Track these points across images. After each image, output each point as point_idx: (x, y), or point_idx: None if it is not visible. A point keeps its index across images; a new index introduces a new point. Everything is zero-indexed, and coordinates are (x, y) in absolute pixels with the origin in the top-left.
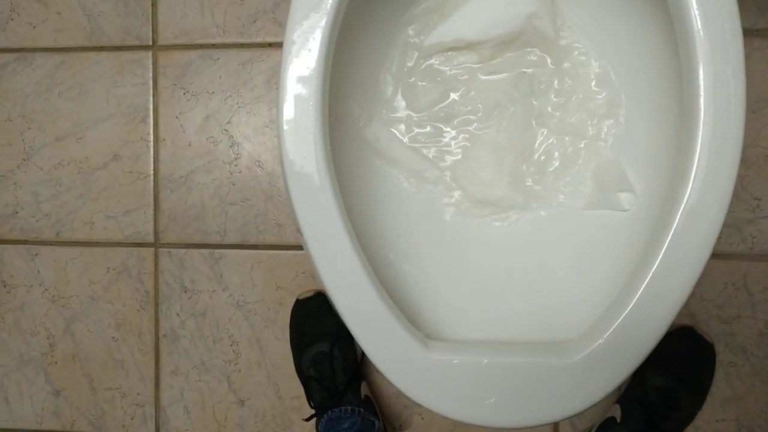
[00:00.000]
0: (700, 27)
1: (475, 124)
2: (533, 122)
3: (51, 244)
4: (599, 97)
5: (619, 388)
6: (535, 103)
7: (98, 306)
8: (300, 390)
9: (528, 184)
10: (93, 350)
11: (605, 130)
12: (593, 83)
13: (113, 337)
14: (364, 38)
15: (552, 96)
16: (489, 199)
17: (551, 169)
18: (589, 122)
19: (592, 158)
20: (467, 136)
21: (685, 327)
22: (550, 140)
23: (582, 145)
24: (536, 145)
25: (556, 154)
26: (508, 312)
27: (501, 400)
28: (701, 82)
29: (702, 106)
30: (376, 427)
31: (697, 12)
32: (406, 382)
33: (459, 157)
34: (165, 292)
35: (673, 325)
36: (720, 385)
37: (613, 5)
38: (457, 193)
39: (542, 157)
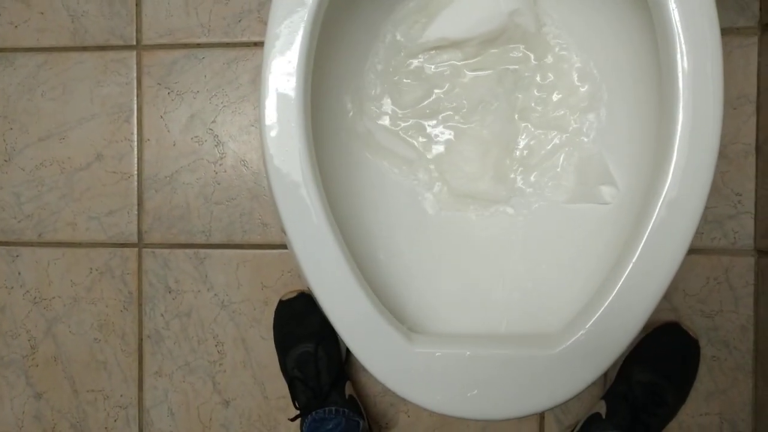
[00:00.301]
0: (678, 22)
1: (459, 120)
2: (516, 117)
3: (33, 245)
4: (581, 90)
5: (604, 384)
6: (519, 96)
7: (81, 307)
8: (286, 390)
9: (511, 177)
10: (75, 352)
11: (587, 124)
12: (575, 77)
13: (96, 339)
14: (349, 36)
15: (534, 91)
16: (472, 193)
17: (534, 162)
18: (571, 116)
19: (575, 152)
20: (451, 131)
21: (670, 323)
22: (534, 135)
23: (564, 139)
24: (519, 139)
25: (540, 148)
26: (493, 306)
27: (484, 392)
28: (680, 76)
29: (681, 100)
30: (360, 427)
31: (675, 8)
32: (389, 375)
33: (443, 151)
34: (149, 293)
35: (658, 321)
36: (703, 380)
37: (594, 1)
38: (441, 188)
39: (525, 152)
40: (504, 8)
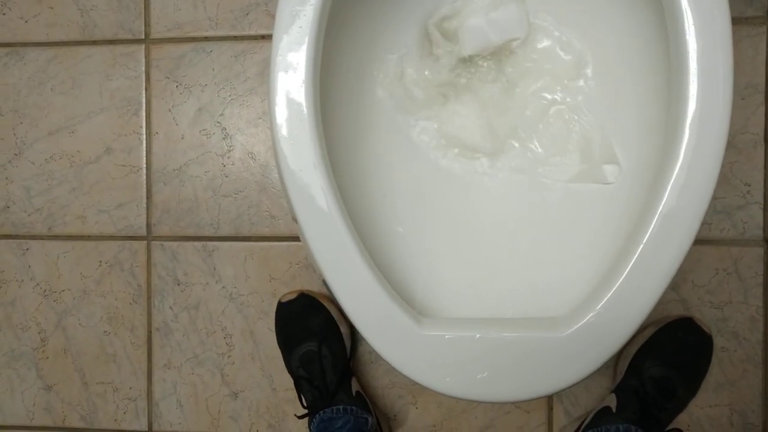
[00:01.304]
0: (689, 10)
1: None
2: (516, 91)
3: (42, 239)
4: (587, 71)
5: (614, 377)
6: (512, 71)
7: (90, 300)
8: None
9: (507, 137)
10: (85, 344)
11: (583, 94)
12: (571, 60)
13: (105, 331)
14: (359, 24)
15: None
16: (462, 139)
17: (539, 139)
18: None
19: (577, 131)
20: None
21: (683, 318)
22: (534, 104)
23: (573, 117)
24: (517, 106)
25: (540, 117)
26: (500, 289)
27: (493, 375)
28: (690, 63)
29: (690, 87)
30: (369, 424)
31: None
32: (399, 358)
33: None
34: (158, 285)
35: (670, 315)
36: (713, 371)
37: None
38: (451, 150)
39: (527, 113)
40: (505, 37)
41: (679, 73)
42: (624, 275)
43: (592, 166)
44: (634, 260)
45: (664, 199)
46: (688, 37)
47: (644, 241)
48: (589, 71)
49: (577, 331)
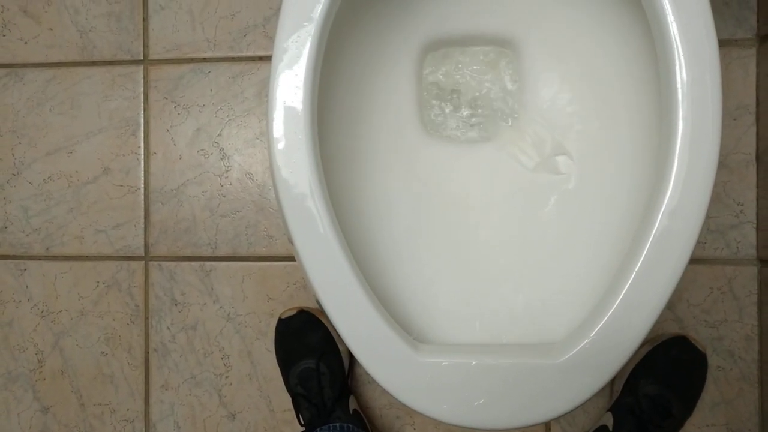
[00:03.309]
0: (677, 35)
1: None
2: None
3: (40, 259)
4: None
5: (611, 396)
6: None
7: (87, 320)
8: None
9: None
10: (82, 365)
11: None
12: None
13: (102, 352)
14: (357, 48)
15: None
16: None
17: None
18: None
19: (530, 124)
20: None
21: (677, 336)
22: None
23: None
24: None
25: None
26: (497, 313)
27: (490, 402)
28: (679, 87)
29: (680, 111)
30: None
31: (673, 21)
32: (396, 385)
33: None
34: (155, 306)
35: (665, 333)
36: (709, 390)
37: (594, 14)
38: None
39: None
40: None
41: (669, 100)
42: (617, 301)
43: (546, 159)
44: (627, 286)
45: (656, 225)
46: (677, 67)
47: (637, 267)
48: (581, 92)
49: (572, 358)
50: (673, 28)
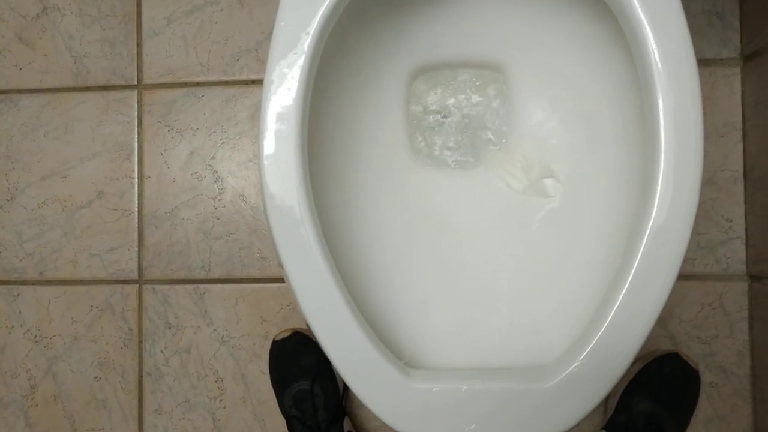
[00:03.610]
0: (657, 60)
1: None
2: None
3: (34, 284)
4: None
5: (605, 413)
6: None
7: (81, 345)
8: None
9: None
10: (75, 390)
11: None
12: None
13: (96, 377)
14: (348, 77)
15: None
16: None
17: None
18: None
19: (519, 148)
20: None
21: (670, 353)
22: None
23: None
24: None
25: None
26: (487, 337)
27: (480, 427)
28: (660, 113)
29: (662, 136)
30: None
31: (654, 47)
32: (387, 411)
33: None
34: (149, 329)
35: (657, 350)
36: (702, 406)
37: (575, 43)
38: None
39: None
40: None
41: (651, 123)
42: (606, 324)
43: (534, 182)
44: (615, 308)
45: (642, 248)
46: (658, 91)
47: (624, 289)
48: (566, 120)
49: (561, 382)
50: (654, 55)
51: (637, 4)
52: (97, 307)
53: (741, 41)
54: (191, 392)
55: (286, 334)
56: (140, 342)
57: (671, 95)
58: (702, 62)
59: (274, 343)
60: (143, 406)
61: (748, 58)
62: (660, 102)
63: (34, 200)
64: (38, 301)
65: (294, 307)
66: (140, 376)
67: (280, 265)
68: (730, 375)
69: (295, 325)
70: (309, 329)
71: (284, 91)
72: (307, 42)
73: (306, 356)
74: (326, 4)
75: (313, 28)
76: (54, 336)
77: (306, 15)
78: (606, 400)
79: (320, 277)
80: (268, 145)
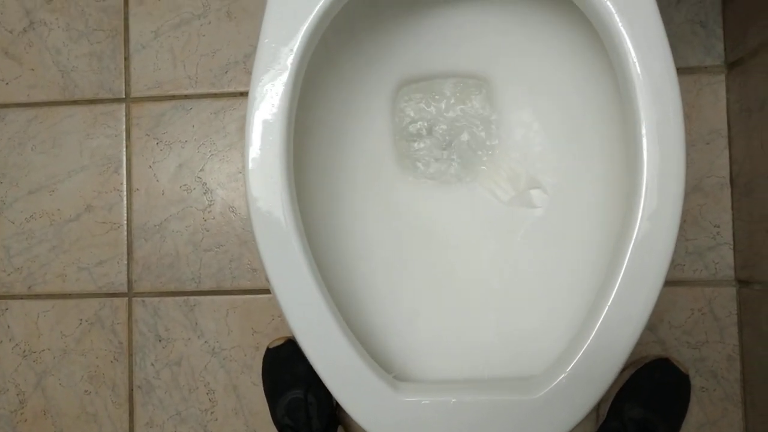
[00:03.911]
0: (639, 73)
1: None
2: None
3: (22, 298)
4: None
5: (597, 420)
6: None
7: (70, 359)
8: None
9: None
10: (65, 405)
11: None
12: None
13: (86, 391)
14: (332, 92)
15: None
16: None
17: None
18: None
19: (505, 159)
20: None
21: (660, 358)
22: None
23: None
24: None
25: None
26: (476, 348)
27: None
28: (643, 123)
29: (645, 145)
30: None
31: (635, 60)
32: (376, 425)
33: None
34: (139, 342)
35: (647, 356)
36: (693, 411)
37: (555, 63)
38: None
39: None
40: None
41: (634, 133)
42: (593, 334)
43: (521, 193)
44: (601, 319)
45: (627, 258)
46: (639, 101)
47: (611, 300)
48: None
49: (549, 393)
50: (636, 68)
51: (617, 18)
52: (86, 321)
53: (725, 49)
54: (182, 405)
55: (280, 342)
56: (130, 355)
57: (653, 107)
58: (686, 70)
59: (268, 351)
60: (134, 419)
61: (731, 65)
62: (642, 114)
63: (22, 214)
64: (27, 316)
65: (283, 318)
66: (131, 390)
67: (266, 278)
68: (721, 380)
69: (288, 334)
70: None
71: (268, 106)
72: (290, 58)
73: (300, 364)
74: (310, 20)
75: (297, 44)
76: (43, 350)
77: (289, 31)
78: (597, 406)
79: (306, 289)
80: (254, 160)
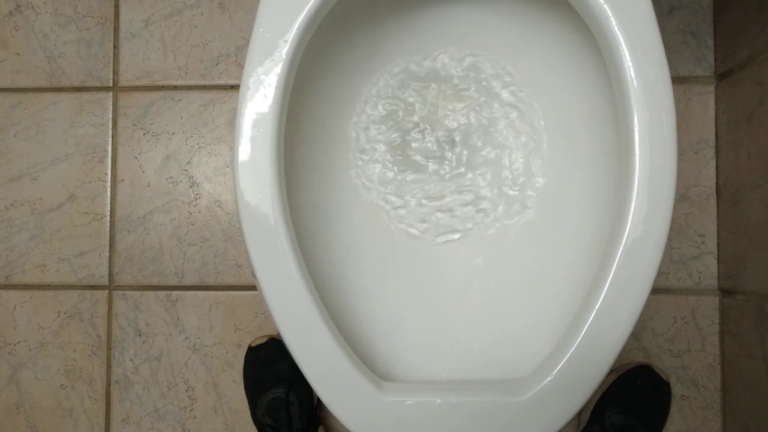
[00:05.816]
0: (633, 77)
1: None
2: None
3: None
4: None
5: (578, 425)
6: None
7: (47, 352)
8: None
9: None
10: (40, 399)
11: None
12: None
13: (62, 385)
14: (325, 86)
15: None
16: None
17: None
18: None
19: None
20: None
21: (642, 365)
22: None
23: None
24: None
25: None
26: (462, 350)
27: None
28: (636, 128)
29: (637, 150)
30: None
31: (630, 64)
32: (360, 424)
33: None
34: (118, 336)
35: (630, 362)
36: (674, 419)
37: (555, 66)
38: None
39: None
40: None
41: (627, 137)
42: (580, 337)
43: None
44: (589, 322)
45: (616, 262)
46: (633, 107)
47: (598, 303)
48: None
49: (535, 395)
50: (630, 72)
51: (613, 22)
52: (64, 313)
53: (715, 60)
54: (161, 401)
55: (262, 341)
56: (109, 349)
57: (646, 112)
58: (677, 80)
59: (250, 349)
60: (111, 415)
61: (721, 76)
62: (635, 118)
63: (2, 202)
64: (3, 306)
65: (268, 316)
66: (108, 385)
67: (253, 274)
68: (701, 388)
69: (272, 332)
70: None
71: (260, 98)
72: (284, 50)
73: (282, 363)
74: (305, 12)
75: (292, 35)
76: (19, 342)
77: (284, 22)
78: (580, 411)
79: (293, 286)
80: (244, 152)
